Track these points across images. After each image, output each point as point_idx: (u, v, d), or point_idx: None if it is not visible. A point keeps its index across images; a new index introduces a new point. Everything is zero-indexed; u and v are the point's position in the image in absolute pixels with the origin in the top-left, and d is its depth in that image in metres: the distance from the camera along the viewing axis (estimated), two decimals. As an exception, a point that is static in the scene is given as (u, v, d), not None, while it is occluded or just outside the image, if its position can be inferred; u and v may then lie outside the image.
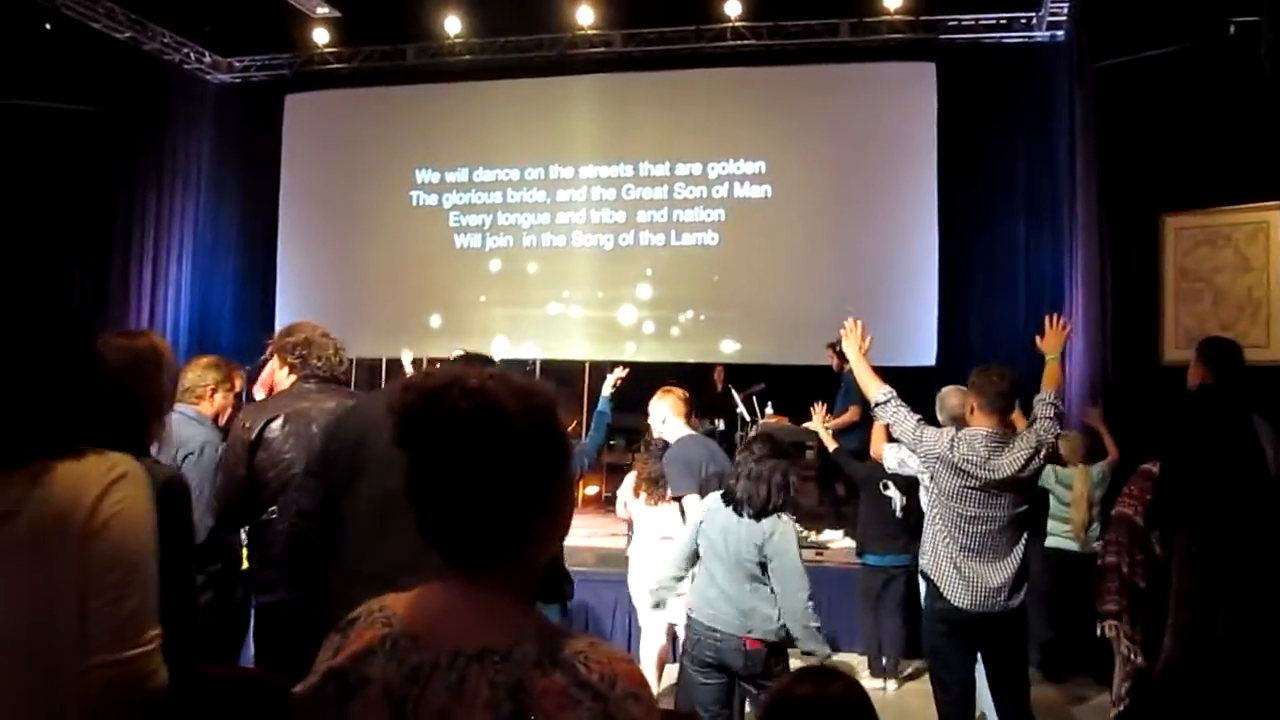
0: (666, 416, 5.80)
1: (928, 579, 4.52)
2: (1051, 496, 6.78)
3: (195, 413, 4.39)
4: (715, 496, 4.55)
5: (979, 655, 4.57)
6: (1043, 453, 4.34)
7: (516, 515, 1.42)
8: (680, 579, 4.68)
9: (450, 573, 1.45)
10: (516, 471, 1.41)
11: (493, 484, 1.40)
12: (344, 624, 1.51)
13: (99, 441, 2.07)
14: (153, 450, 2.96)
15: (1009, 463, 4.31)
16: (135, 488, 2.06)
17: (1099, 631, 3.58)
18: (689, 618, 4.48)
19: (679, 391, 5.91)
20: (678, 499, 5.61)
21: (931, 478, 4.49)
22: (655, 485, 6.23)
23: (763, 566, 4.32)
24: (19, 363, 2.02)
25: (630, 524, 6.49)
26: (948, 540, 4.42)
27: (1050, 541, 6.78)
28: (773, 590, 4.31)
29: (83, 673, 1.96)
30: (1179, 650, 3.35)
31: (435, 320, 12.02)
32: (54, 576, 1.95)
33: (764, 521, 4.33)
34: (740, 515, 4.36)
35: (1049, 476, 6.66)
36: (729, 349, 11.19)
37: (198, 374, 4.48)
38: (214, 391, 4.47)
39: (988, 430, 4.39)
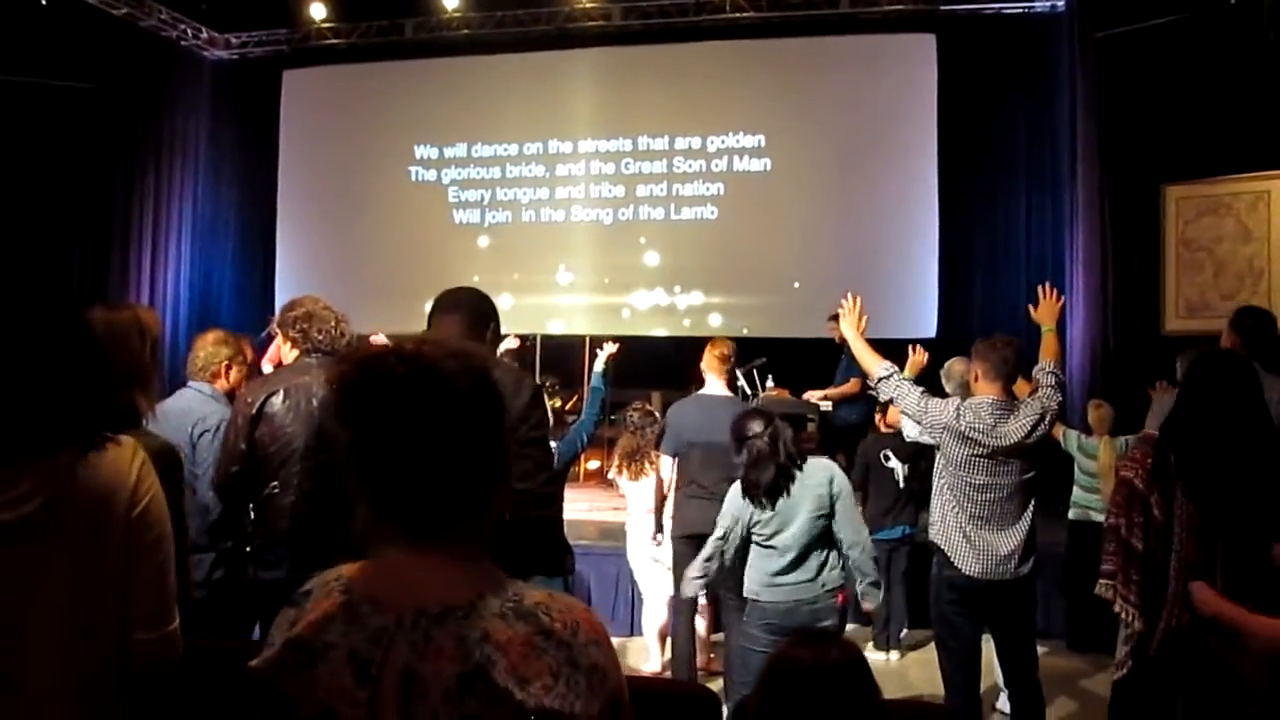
0: (705, 371, 5.87)
1: (937, 548, 4.54)
2: (1076, 467, 6.73)
3: (211, 390, 4.38)
4: (738, 493, 4.48)
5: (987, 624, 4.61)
6: (1047, 419, 4.36)
7: (465, 476, 1.44)
8: (712, 560, 4.61)
9: (403, 539, 1.46)
10: (461, 432, 1.42)
11: (439, 447, 1.41)
12: (298, 597, 1.52)
13: (108, 425, 2.10)
14: (144, 422, 2.96)
15: (1015, 429, 4.33)
16: (153, 471, 2.11)
17: (1097, 590, 3.60)
18: (761, 606, 4.42)
19: (719, 345, 5.93)
20: (672, 455, 5.73)
21: (938, 448, 4.50)
22: (632, 460, 6.30)
23: (828, 517, 4.35)
24: (41, 353, 2.03)
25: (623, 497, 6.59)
26: (956, 509, 4.45)
27: (1073, 513, 6.74)
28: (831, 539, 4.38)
29: (126, 648, 2.05)
30: (1182, 617, 3.35)
31: (434, 295, 11.98)
32: (103, 559, 2.01)
33: (810, 467, 4.38)
34: (791, 491, 4.35)
35: (1072, 443, 6.62)
36: (729, 323, 11.17)
37: (209, 351, 4.46)
38: (228, 367, 4.47)
39: (993, 398, 4.41)
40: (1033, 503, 4.52)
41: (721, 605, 5.63)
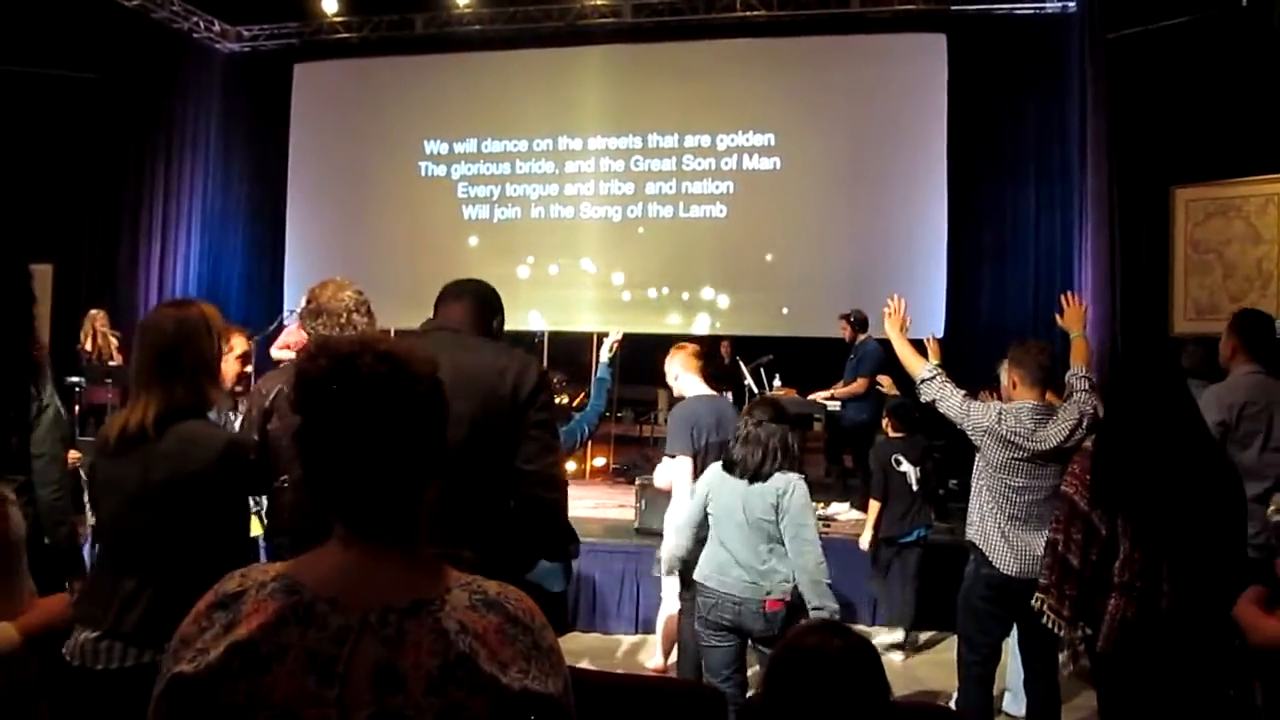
0: (679, 373, 5.76)
1: (974, 547, 4.60)
2: None
3: None
4: (717, 466, 4.56)
5: (1014, 626, 4.65)
6: (1085, 422, 4.41)
7: (417, 477, 1.48)
8: (690, 549, 4.70)
9: (345, 534, 1.47)
10: (421, 434, 1.47)
11: (401, 447, 1.44)
12: (223, 598, 1.48)
13: None
14: (212, 415, 3.02)
15: (1055, 433, 4.41)
16: None
17: (1033, 601, 3.68)
18: (702, 586, 4.50)
19: (690, 347, 5.85)
20: (671, 456, 5.61)
21: (979, 450, 4.57)
22: None
23: (777, 525, 4.37)
24: None
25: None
26: (995, 510, 4.53)
27: None
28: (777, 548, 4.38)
29: None
30: (1128, 611, 3.38)
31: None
32: None
33: (774, 479, 4.36)
34: (740, 479, 4.39)
35: None
36: (737, 321, 11.18)
37: None
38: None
39: (1033, 403, 4.49)
40: None
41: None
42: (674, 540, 4.75)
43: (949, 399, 4.64)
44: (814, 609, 4.23)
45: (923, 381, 4.73)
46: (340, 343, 1.50)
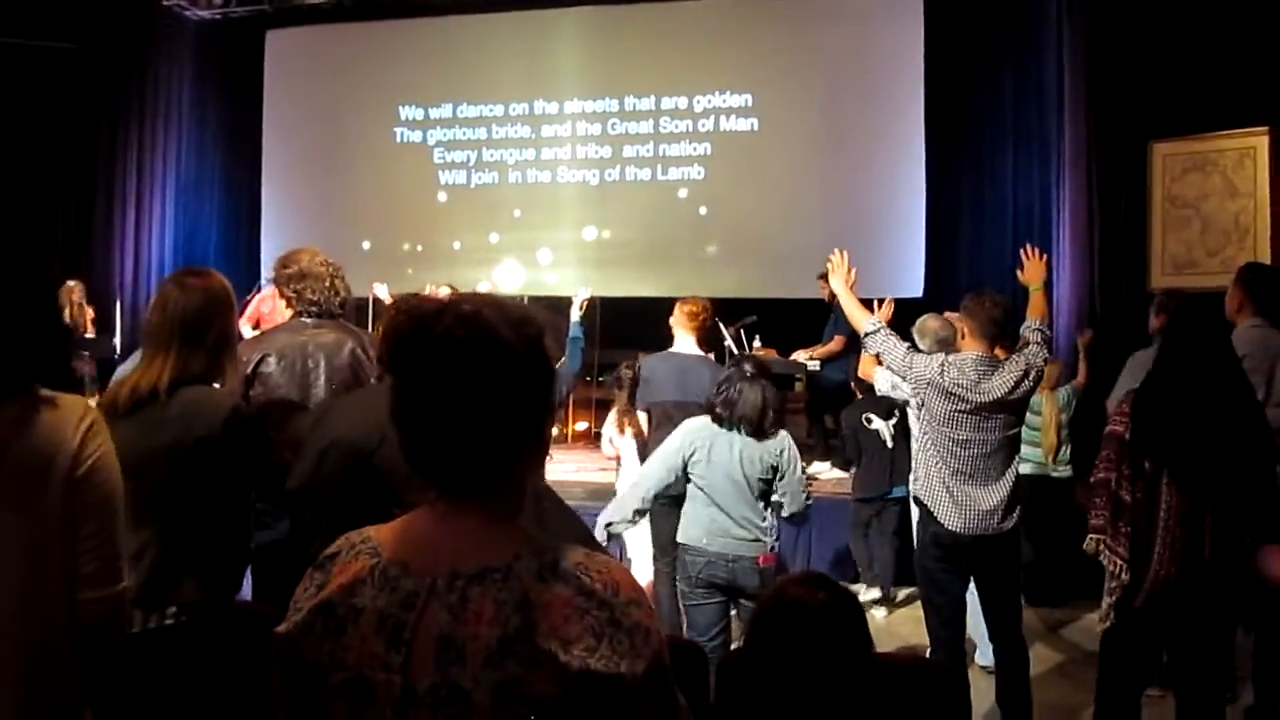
0: (672, 327, 5.85)
1: (920, 503, 4.58)
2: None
3: None
4: (705, 421, 4.54)
5: (971, 580, 4.64)
6: (1032, 375, 4.39)
7: (506, 442, 1.43)
8: (643, 513, 4.67)
9: (436, 499, 1.46)
10: (509, 399, 1.41)
11: (485, 412, 1.39)
12: (323, 560, 1.50)
13: (58, 383, 2.14)
14: (218, 384, 3.04)
15: (999, 385, 4.36)
16: (105, 436, 2.15)
17: (1086, 546, 3.64)
18: (689, 548, 4.49)
19: (690, 304, 5.91)
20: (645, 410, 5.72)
21: (922, 403, 4.53)
22: (629, 416, 6.28)
23: (770, 485, 4.42)
24: None
25: (618, 459, 6.52)
26: (939, 464, 4.47)
27: (1022, 468, 6.81)
28: (769, 505, 4.48)
29: (72, 607, 2.10)
30: (1170, 569, 3.39)
31: (421, 256, 11.98)
32: (41, 516, 2.05)
33: (774, 439, 4.43)
34: (744, 434, 4.41)
35: None
36: (716, 283, 11.15)
37: None
38: None
39: (977, 354, 4.44)
40: (1016, 458, 4.57)
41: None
42: (636, 495, 4.61)
43: (892, 351, 4.59)
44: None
45: (867, 335, 4.69)
46: (426, 303, 1.47)
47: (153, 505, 2.76)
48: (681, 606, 4.67)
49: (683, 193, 11.43)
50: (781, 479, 4.46)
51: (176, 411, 2.83)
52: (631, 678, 1.35)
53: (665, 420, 5.47)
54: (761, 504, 4.46)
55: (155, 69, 11.96)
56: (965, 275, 10.17)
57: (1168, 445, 3.43)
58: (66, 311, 9.75)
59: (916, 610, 6.13)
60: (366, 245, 11.73)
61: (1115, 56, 8.47)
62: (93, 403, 2.27)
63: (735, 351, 8.87)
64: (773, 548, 4.49)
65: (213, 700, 2.69)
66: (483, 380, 1.39)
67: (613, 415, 6.43)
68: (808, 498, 4.59)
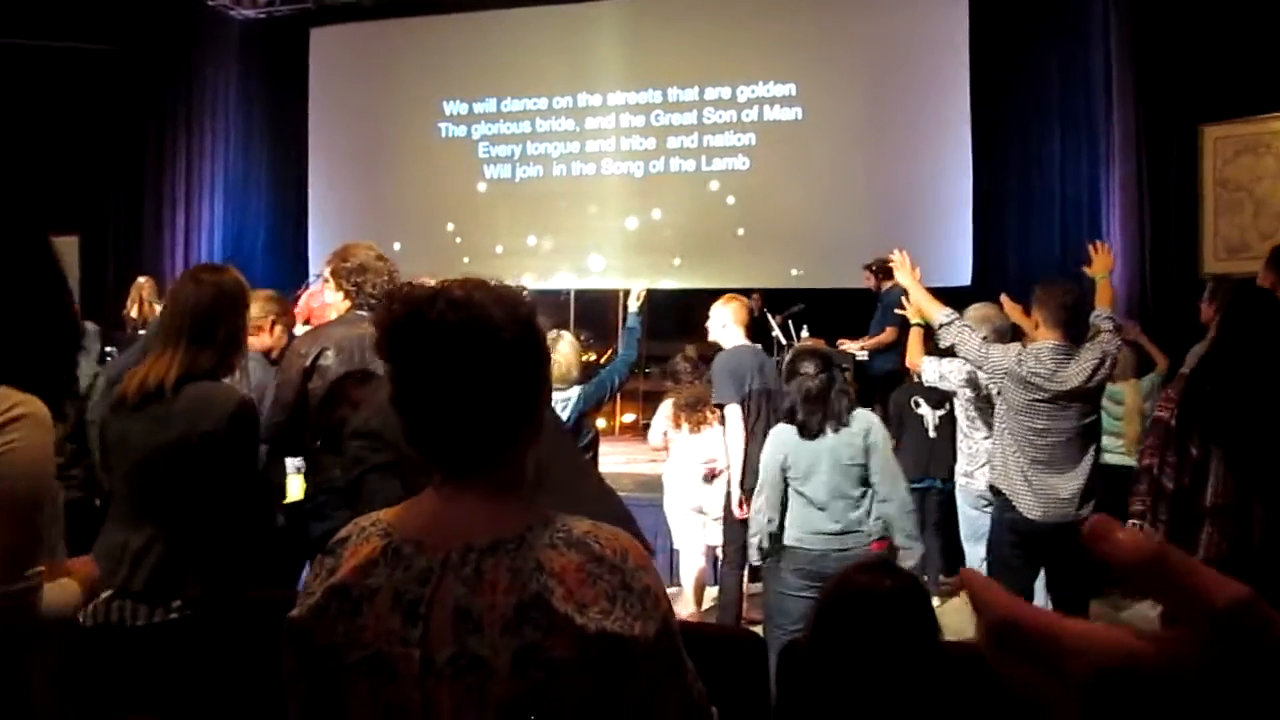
0: (726, 322, 5.85)
1: (998, 491, 4.60)
2: (1103, 413, 6.73)
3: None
4: (788, 429, 4.54)
5: (1041, 570, 4.67)
6: (1108, 363, 4.41)
7: (504, 420, 1.48)
8: (774, 521, 4.65)
9: (441, 481, 1.50)
10: (503, 381, 1.46)
11: (482, 392, 1.45)
12: (332, 545, 1.55)
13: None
14: (228, 380, 3.07)
15: (1076, 373, 4.38)
16: (30, 429, 2.00)
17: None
18: (798, 550, 4.48)
19: (743, 300, 5.94)
20: (720, 406, 5.67)
21: (999, 392, 4.59)
22: (693, 410, 6.26)
23: (864, 466, 4.41)
24: None
25: (667, 452, 6.54)
26: (1017, 453, 4.51)
27: (1104, 458, 6.74)
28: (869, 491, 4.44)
29: None
30: (1221, 549, 3.37)
31: (466, 250, 12.02)
32: None
33: (854, 421, 4.42)
34: (828, 433, 4.41)
35: None
36: (763, 274, 11.13)
37: (260, 306, 4.49)
38: (274, 324, 4.52)
39: (1054, 343, 4.47)
40: (1094, 447, 4.59)
41: None
42: (763, 514, 4.62)
43: (968, 341, 4.62)
44: (904, 548, 4.29)
45: (941, 326, 4.73)
46: (418, 290, 1.51)
47: (158, 500, 2.78)
48: (776, 593, 4.65)
49: (727, 183, 11.39)
50: (873, 456, 4.43)
51: (183, 407, 2.85)
52: (644, 639, 1.40)
53: (770, 408, 5.52)
54: (859, 491, 4.43)
55: (201, 70, 12.06)
56: (1014, 264, 10.10)
57: (1221, 428, 3.40)
58: (136, 308, 9.80)
59: (964, 601, 6.09)
60: (413, 239, 11.75)
61: (1163, 39, 8.37)
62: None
63: (783, 342, 8.87)
64: (877, 533, 4.44)
65: (217, 693, 2.73)
66: (477, 362, 1.44)
67: (668, 408, 6.42)
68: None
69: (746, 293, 10.92)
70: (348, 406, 3.36)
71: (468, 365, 1.44)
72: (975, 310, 5.51)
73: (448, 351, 1.43)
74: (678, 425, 6.26)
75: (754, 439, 5.56)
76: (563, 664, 1.36)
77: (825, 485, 4.40)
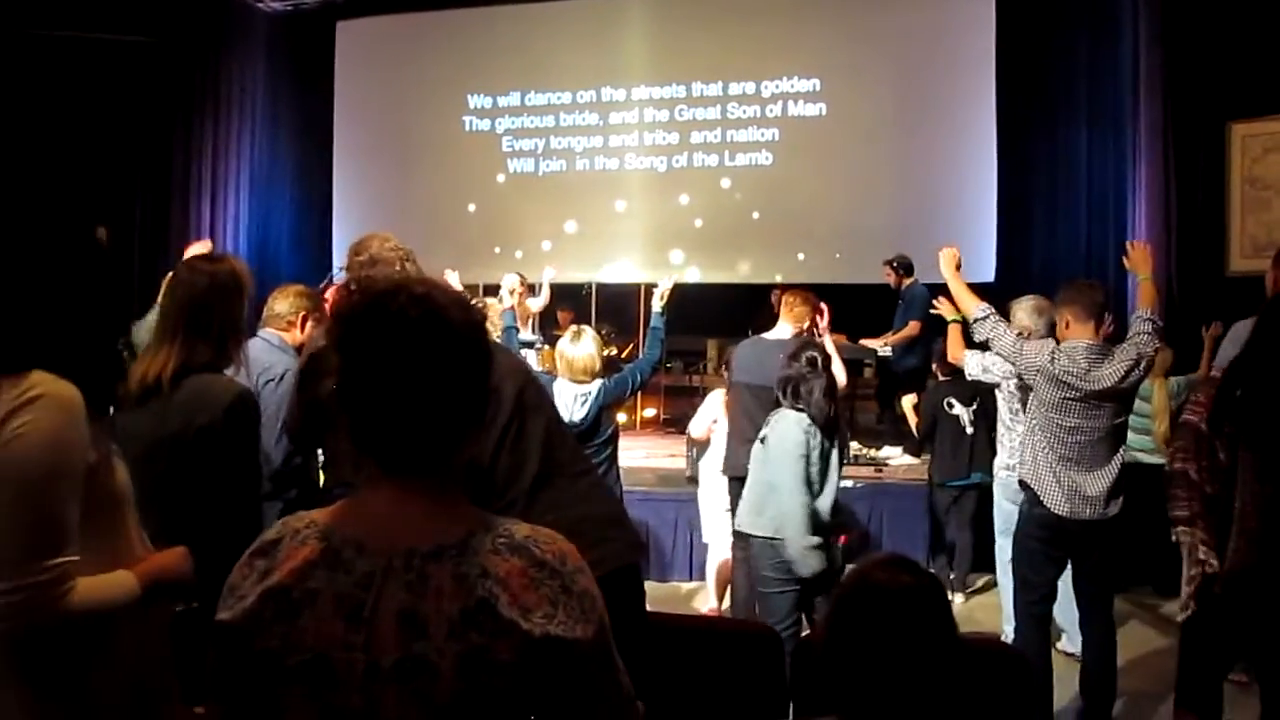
0: (783, 317, 6.08)
1: (1027, 487, 4.60)
2: None
3: (280, 340, 4.44)
4: (809, 423, 4.59)
5: (1068, 565, 4.68)
6: (1142, 364, 4.41)
7: (452, 422, 1.48)
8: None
9: (380, 480, 1.50)
10: (456, 379, 1.47)
11: (434, 391, 1.44)
12: (263, 545, 1.53)
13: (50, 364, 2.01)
14: (229, 371, 3.05)
15: (1110, 374, 4.38)
16: (46, 410, 1.93)
17: (1173, 538, 3.60)
18: (773, 545, 4.56)
19: (793, 295, 6.14)
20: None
21: (1031, 389, 4.59)
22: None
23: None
24: None
25: (696, 443, 6.56)
26: (1047, 450, 4.52)
27: (1128, 455, 6.71)
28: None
29: None
30: (1249, 557, 3.33)
31: (490, 245, 12.03)
32: None
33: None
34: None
35: None
36: (786, 269, 11.12)
37: (292, 301, 4.52)
38: (305, 319, 4.53)
39: (1088, 342, 4.46)
40: (1123, 446, 4.61)
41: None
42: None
43: (1002, 337, 4.64)
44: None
45: (976, 321, 4.74)
46: (379, 283, 1.53)
47: (159, 495, 2.79)
48: (761, 593, 4.71)
49: (750, 179, 11.38)
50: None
51: (180, 401, 2.83)
52: (584, 640, 1.43)
53: (754, 403, 5.58)
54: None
55: (229, 63, 12.08)
56: (1039, 259, 10.07)
57: (1250, 433, 3.36)
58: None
59: (993, 597, 6.11)
60: (436, 232, 11.77)
61: (1192, 36, 8.30)
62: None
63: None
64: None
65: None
66: (434, 357, 1.44)
67: (718, 396, 6.44)
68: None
69: (768, 288, 10.99)
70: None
71: (424, 360, 1.44)
72: (1028, 301, 5.45)
73: (406, 344, 1.43)
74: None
75: (735, 434, 5.78)
76: (507, 667, 1.39)
77: (772, 483, 4.63)
